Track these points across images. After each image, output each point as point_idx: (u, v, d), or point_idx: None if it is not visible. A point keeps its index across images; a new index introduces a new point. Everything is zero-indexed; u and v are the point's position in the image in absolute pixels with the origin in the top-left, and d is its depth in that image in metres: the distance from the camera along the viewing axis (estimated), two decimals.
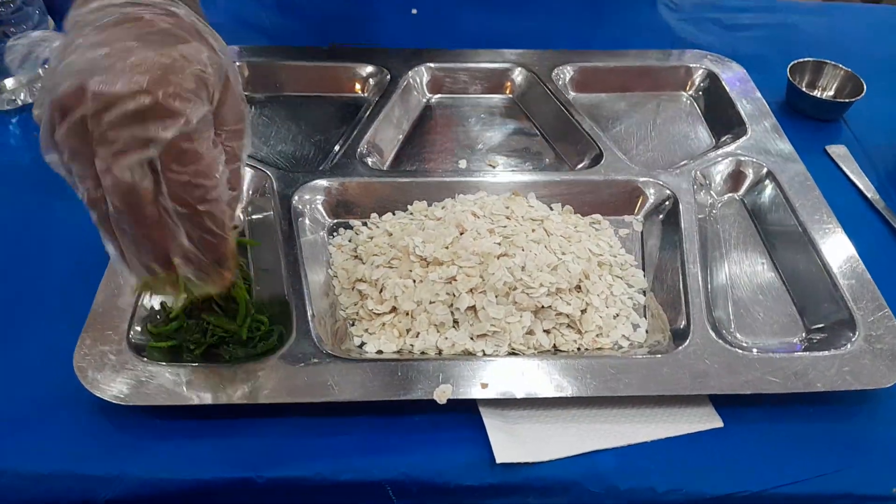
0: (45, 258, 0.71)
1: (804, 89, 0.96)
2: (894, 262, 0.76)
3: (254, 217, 0.76)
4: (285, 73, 0.94)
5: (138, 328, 0.62)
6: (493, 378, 0.59)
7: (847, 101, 0.94)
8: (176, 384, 0.57)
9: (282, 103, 0.93)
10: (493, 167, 0.85)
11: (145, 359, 0.59)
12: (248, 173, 0.78)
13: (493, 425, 0.58)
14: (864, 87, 0.94)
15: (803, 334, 0.68)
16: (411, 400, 0.58)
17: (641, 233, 0.78)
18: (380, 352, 0.64)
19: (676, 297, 0.69)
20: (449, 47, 0.99)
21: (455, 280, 0.65)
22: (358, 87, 0.95)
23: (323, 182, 0.77)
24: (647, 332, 0.68)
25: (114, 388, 0.56)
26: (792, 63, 0.97)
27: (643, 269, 0.74)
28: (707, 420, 0.61)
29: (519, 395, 0.58)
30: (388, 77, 0.93)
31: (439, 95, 0.96)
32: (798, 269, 0.73)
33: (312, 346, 0.60)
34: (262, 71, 0.94)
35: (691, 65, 0.98)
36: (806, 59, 0.98)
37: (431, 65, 0.95)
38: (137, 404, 0.56)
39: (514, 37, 1.05)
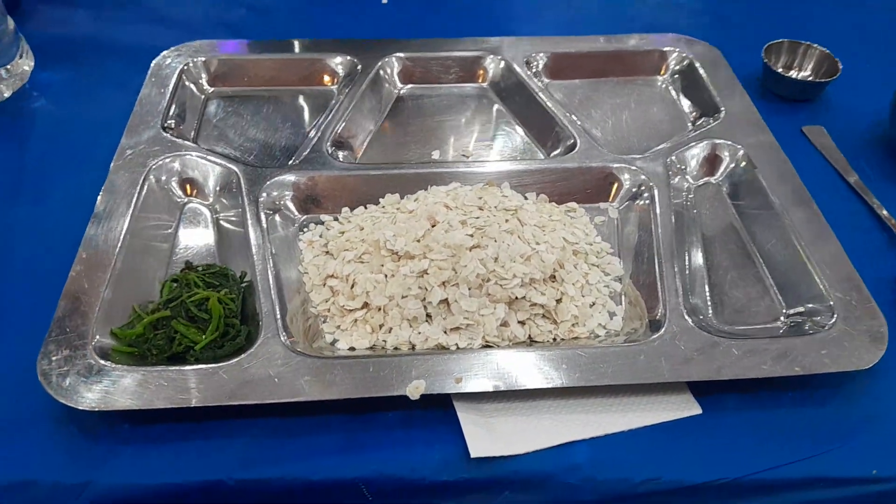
0: (7, 262, 0.70)
1: (780, 70, 0.95)
2: (872, 242, 0.75)
3: (221, 214, 0.74)
4: (253, 67, 0.92)
5: (103, 331, 0.61)
6: (467, 372, 0.58)
7: (823, 81, 0.93)
8: (142, 388, 0.56)
9: (250, 98, 0.91)
10: (467, 157, 0.84)
11: (110, 363, 0.58)
12: (215, 169, 0.76)
13: (468, 420, 0.57)
14: (840, 66, 0.93)
15: (782, 318, 0.68)
16: (384, 397, 0.56)
17: (617, 219, 0.77)
18: (352, 348, 0.63)
19: (652, 284, 0.68)
20: (420, 37, 0.98)
21: (427, 273, 0.64)
22: (327, 79, 0.93)
23: (291, 177, 0.75)
24: (623, 320, 0.67)
25: (79, 393, 0.55)
26: (767, 44, 0.96)
27: (619, 257, 0.73)
28: (685, 407, 0.60)
29: (492, 389, 0.57)
30: (359, 68, 0.92)
31: (411, 86, 0.94)
32: (776, 252, 0.72)
33: (281, 346, 0.59)
34: (229, 65, 0.92)
35: (666, 48, 0.97)
36: (781, 41, 0.97)
37: (402, 55, 0.93)
38: (103, 409, 0.54)
39: (486, 25, 1.03)
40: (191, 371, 0.57)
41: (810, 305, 0.67)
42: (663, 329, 0.62)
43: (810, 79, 0.96)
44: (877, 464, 0.58)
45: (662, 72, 0.97)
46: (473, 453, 0.55)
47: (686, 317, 0.63)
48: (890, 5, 1.17)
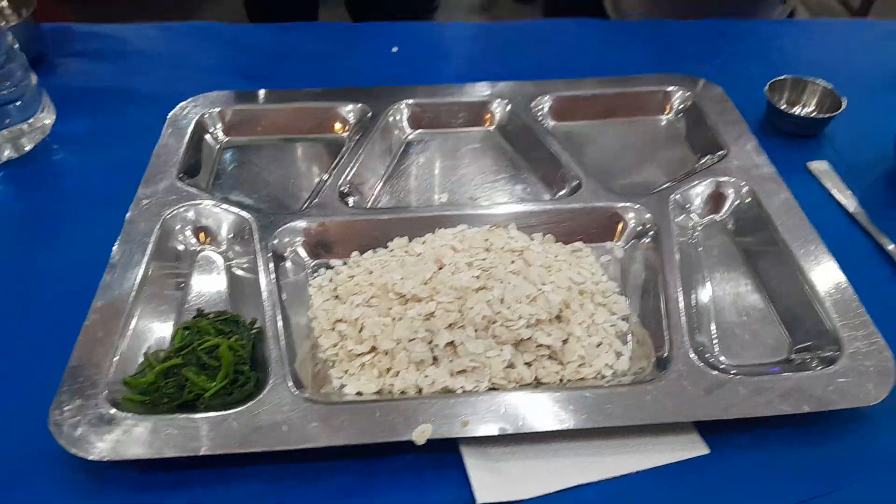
0: (24, 312, 0.71)
1: (783, 107, 0.96)
2: (878, 279, 0.75)
3: (234, 262, 0.76)
4: (266, 116, 0.95)
5: (116, 379, 0.62)
6: (473, 415, 0.59)
7: (826, 116, 0.94)
8: (153, 437, 0.57)
9: (263, 147, 0.93)
10: (474, 199, 0.85)
11: (122, 412, 0.59)
12: (228, 217, 0.78)
13: (474, 465, 0.57)
14: (843, 102, 0.94)
15: (789, 354, 0.68)
16: (391, 442, 0.57)
17: (623, 258, 0.78)
18: (360, 393, 0.63)
19: (659, 323, 0.68)
20: (429, 83, 1.00)
21: (434, 316, 0.65)
22: (338, 126, 0.95)
23: (302, 223, 0.77)
24: (630, 359, 0.67)
25: (90, 443, 0.56)
26: (770, 81, 0.97)
27: (625, 296, 0.74)
28: (692, 447, 0.60)
29: (499, 433, 0.58)
30: (369, 115, 0.94)
31: (420, 131, 0.96)
32: (782, 288, 0.72)
33: (289, 392, 0.60)
34: (243, 116, 0.94)
35: (669, 88, 0.98)
36: (784, 77, 0.98)
37: (410, 101, 0.96)
38: (114, 459, 0.55)
39: (491, 70, 1.05)
40: (200, 419, 0.58)
41: (817, 341, 0.67)
42: (670, 368, 0.63)
43: (814, 114, 0.97)
44: (887, 501, 0.57)
45: (667, 111, 0.98)
46: (480, 500, 0.55)
47: (692, 355, 0.64)
48: (890, 38, 1.17)
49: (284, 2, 1.56)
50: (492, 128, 0.97)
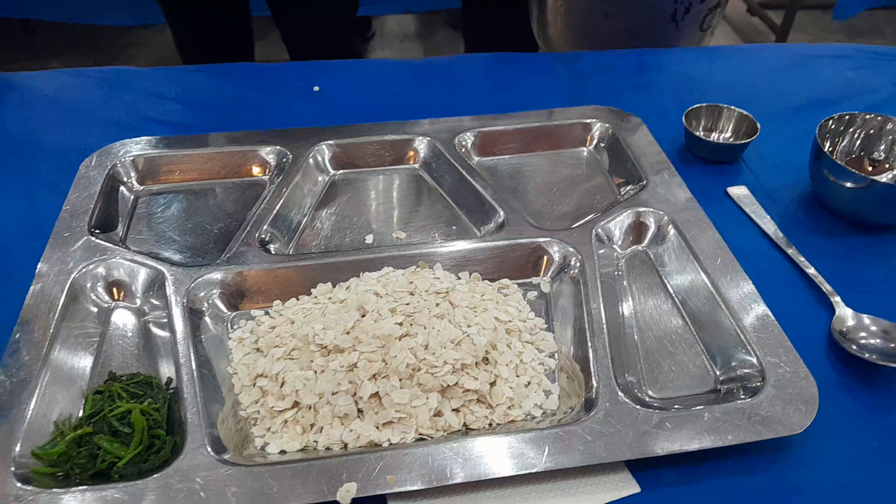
0: None
1: (701, 134, 0.98)
2: (799, 302, 0.76)
3: (150, 316, 0.73)
4: (182, 162, 0.92)
5: (25, 451, 0.59)
6: (400, 469, 0.57)
7: (742, 142, 0.96)
8: None
9: (180, 194, 0.90)
10: (400, 240, 0.84)
11: (32, 487, 0.55)
12: (142, 271, 0.75)
13: None
14: (759, 127, 0.96)
15: (715, 385, 0.68)
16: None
17: (550, 293, 0.77)
18: (283, 452, 0.61)
19: (585, 359, 0.68)
20: (352, 122, 0.99)
21: (356, 367, 0.63)
22: (258, 170, 0.93)
23: (217, 275, 0.74)
24: (559, 397, 0.67)
25: None
26: (687, 110, 0.99)
27: (553, 331, 0.73)
28: (624, 487, 0.59)
29: (425, 486, 0.56)
30: (290, 157, 0.92)
31: (343, 171, 0.95)
32: (705, 317, 0.73)
33: (207, 456, 0.57)
34: (158, 163, 0.91)
35: (589, 121, 0.99)
36: (700, 105, 1.00)
37: (332, 142, 0.94)
38: None
39: (416, 107, 1.05)
40: (113, 490, 0.55)
41: (742, 371, 0.67)
42: (597, 407, 0.62)
43: (731, 140, 1.00)
44: None
45: (588, 143, 0.99)
46: None
47: (619, 392, 0.63)
48: (800, 62, 1.22)
49: (217, 42, 1.53)
50: (416, 165, 0.96)
